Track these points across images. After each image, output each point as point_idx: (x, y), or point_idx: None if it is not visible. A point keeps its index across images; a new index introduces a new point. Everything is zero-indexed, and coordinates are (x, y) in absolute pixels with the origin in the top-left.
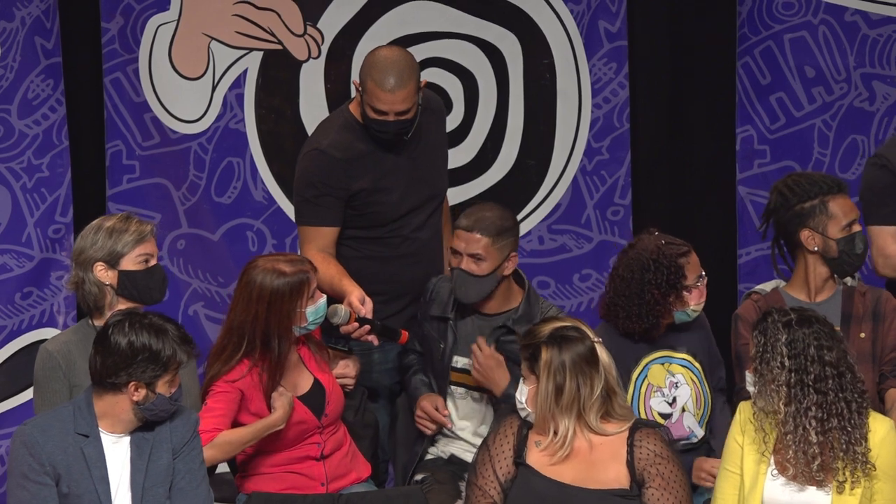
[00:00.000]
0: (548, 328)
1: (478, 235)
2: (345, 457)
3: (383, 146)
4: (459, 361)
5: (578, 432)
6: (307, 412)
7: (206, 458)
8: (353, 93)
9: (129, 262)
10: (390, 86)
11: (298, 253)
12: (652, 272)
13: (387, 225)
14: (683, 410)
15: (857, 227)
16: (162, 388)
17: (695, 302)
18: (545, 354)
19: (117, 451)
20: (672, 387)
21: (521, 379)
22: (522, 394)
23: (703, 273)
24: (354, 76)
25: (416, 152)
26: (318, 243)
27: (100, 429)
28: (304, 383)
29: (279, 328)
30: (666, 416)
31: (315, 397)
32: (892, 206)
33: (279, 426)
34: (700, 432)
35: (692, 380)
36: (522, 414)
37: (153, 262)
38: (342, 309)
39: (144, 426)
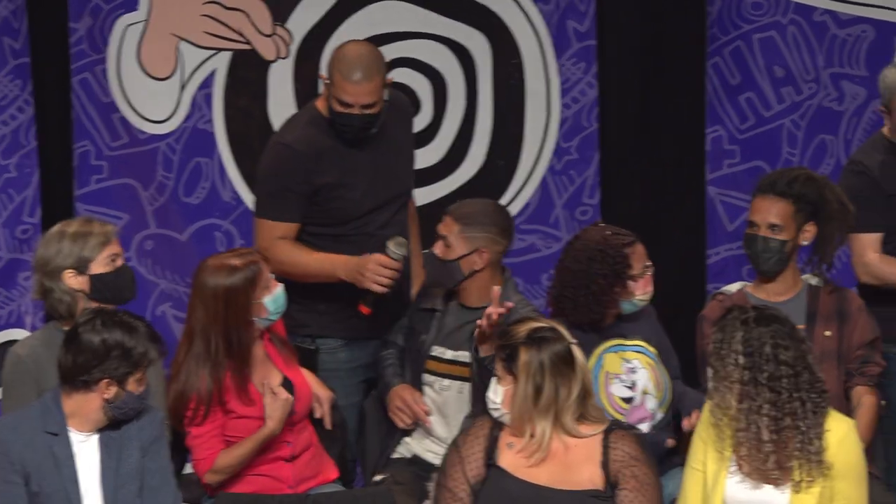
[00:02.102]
0: (524, 328)
1: (449, 220)
2: (312, 458)
3: (348, 142)
4: (437, 350)
5: (554, 434)
6: None
7: (210, 482)
8: (321, 88)
9: (98, 266)
10: (357, 78)
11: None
12: (598, 262)
13: (350, 222)
14: (645, 393)
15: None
16: (132, 385)
17: (641, 291)
18: (524, 355)
19: (86, 451)
20: (629, 372)
21: (496, 379)
22: (497, 394)
23: (650, 263)
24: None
25: (380, 150)
26: (275, 237)
27: (68, 428)
28: (273, 380)
29: (239, 322)
30: (628, 401)
31: None
32: (869, 213)
33: (276, 433)
34: (661, 415)
35: (649, 363)
36: (496, 415)
37: (120, 261)
38: (404, 241)
39: (111, 425)
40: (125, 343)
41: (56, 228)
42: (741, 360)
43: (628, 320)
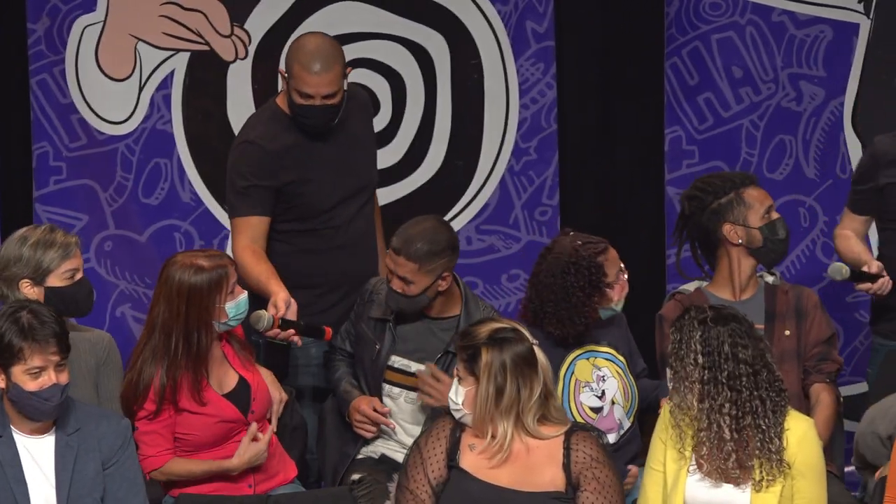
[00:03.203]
0: (486, 329)
1: (403, 260)
2: (272, 458)
3: (310, 135)
4: (397, 361)
5: (516, 435)
6: (233, 410)
7: (155, 479)
8: (280, 84)
9: (56, 279)
10: (316, 69)
11: (227, 250)
12: (573, 275)
13: (318, 216)
14: (613, 403)
15: (775, 214)
16: (19, 378)
17: (618, 297)
18: (485, 356)
19: (36, 454)
20: (599, 380)
21: (457, 380)
22: (458, 395)
23: (623, 266)
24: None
25: (342, 143)
26: (249, 234)
27: (12, 428)
28: (230, 381)
29: (199, 323)
30: (597, 410)
31: (240, 395)
32: (855, 190)
33: (234, 472)
34: (627, 423)
35: (617, 372)
36: (457, 415)
37: (79, 275)
38: (265, 315)
39: (66, 430)
40: (2, 333)
41: (20, 233)
42: (700, 359)
43: (598, 325)
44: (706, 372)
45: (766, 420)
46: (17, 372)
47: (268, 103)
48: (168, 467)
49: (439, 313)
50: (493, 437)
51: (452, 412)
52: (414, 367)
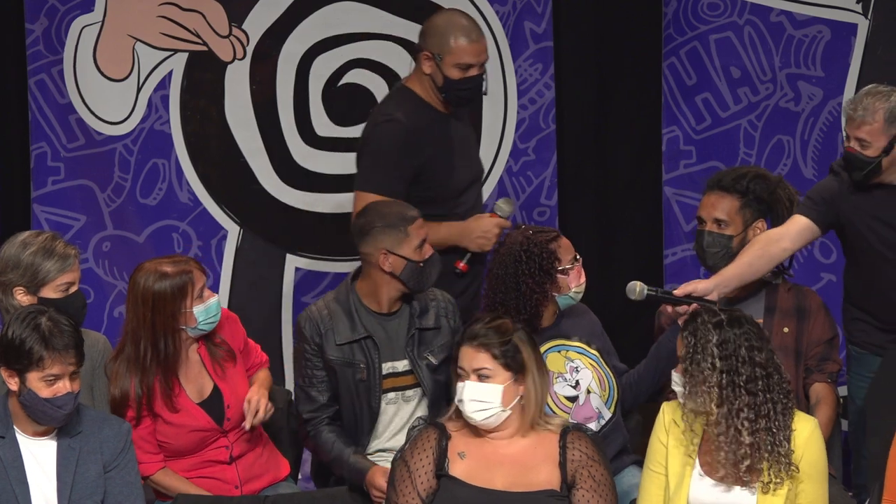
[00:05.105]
0: (500, 322)
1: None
2: (259, 458)
3: (442, 117)
4: (385, 369)
5: (517, 435)
6: (207, 419)
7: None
8: (413, 67)
9: (50, 290)
10: (476, 35)
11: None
12: (524, 262)
13: (450, 200)
14: (589, 392)
15: (701, 225)
16: (34, 384)
17: (575, 284)
18: (524, 348)
19: (39, 456)
20: (573, 371)
21: (477, 378)
22: (490, 394)
23: (578, 256)
24: (280, 77)
25: (464, 129)
26: None
27: (16, 429)
28: (206, 389)
29: (166, 329)
30: (572, 399)
31: (214, 404)
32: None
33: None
34: (608, 413)
35: (591, 364)
36: (482, 416)
37: (74, 289)
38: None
39: (69, 433)
40: (22, 338)
41: (22, 237)
42: (718, 363)
43: (568, 320)
44: (724, 376)
45: (777, 423)
46: (33, 378)
47: (396, 87)
48: (155, 478)
49: (389, 309)
50: (532, 428)
51: (475, 413)
52: (400, 366)
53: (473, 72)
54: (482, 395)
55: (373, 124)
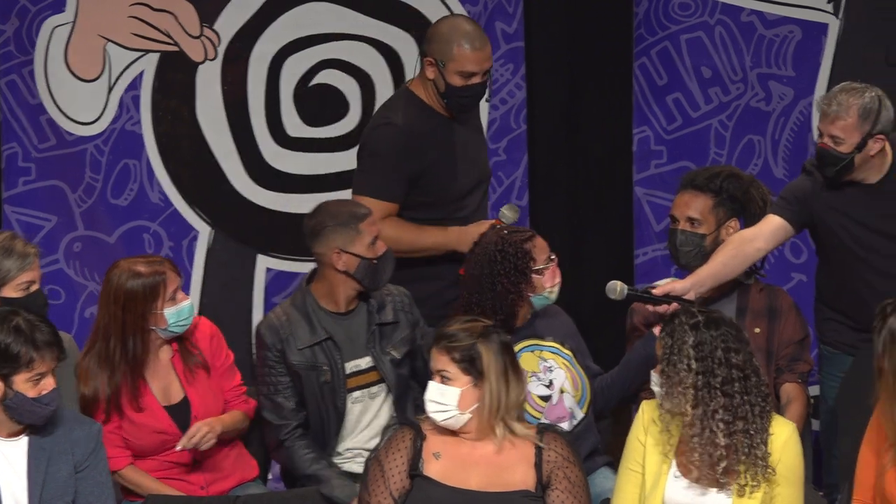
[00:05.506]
0: (469, 326)
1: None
2: (225, 459)
3: (445, 121)
4: (348, 368)
5: (492, 435)
6: (171, 424)
7: None
8: (417, 71)
9: (10, 290)
10: (480, 44)
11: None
12: (499, 263)
13: (451, 204)
14: (562, 392)
15: (674, 224)
16: (21, 386)
17: (550, 283)
18: (486, 353)
19: (10, 456)
20: (546, 371)
21: (440, 380)
22: (447, 396)
23: (553, 255)
24: (251, 78)
25: (470, 132)
26: (376, 216)
27: None
28: (175, 395)
29: (135, 329)
30: (546, 399)
31: (182, 411)
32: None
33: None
34: (580, 413)
35: (565, 364)
36: (442, 418)
37: (34, 287)
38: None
39: (40, 433)
40: (7, 343)
41: None
42: (694, 364)
43: (542, 321)
44: (700, 377)
45: (755, 425)
46: (20, 380)
47: (399, 90)
48: (123, 474)
49: (347, 308)
50: (494, 434)
51: (434, 414)
52: (363, 363)
53: (476, 80)
54: (441, 397)
55: (371, 128)
